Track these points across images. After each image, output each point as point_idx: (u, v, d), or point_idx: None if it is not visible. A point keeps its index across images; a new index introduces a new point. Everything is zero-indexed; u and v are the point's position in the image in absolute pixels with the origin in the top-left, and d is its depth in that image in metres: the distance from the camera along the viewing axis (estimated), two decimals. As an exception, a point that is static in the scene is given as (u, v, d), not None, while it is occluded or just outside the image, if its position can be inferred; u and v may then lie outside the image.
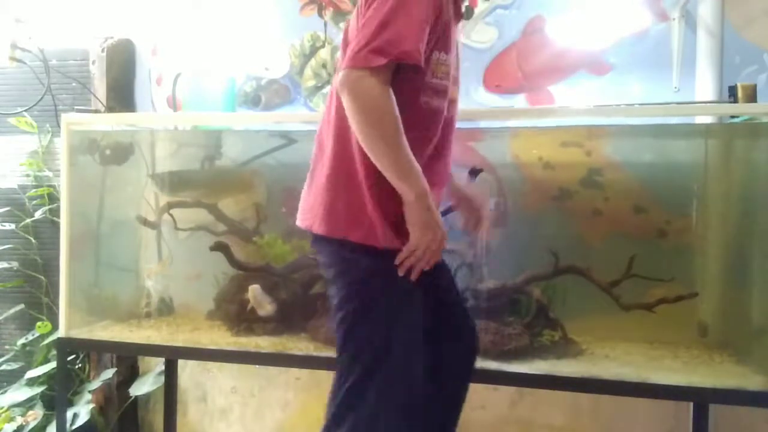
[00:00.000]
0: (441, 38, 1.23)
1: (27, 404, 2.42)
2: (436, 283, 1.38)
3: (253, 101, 2.39)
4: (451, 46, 1.28)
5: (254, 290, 1.91)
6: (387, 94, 1.14)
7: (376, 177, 1.21)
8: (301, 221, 1.38)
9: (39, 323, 2.49)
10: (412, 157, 1.18)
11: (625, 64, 2.03)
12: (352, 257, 1.25)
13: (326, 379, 2.33)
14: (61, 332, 2.01)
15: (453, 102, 1.35)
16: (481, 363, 1.71)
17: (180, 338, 1.98)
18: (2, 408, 2.38)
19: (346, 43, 1.27)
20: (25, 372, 2.45)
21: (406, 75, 1.19)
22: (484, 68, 2.16)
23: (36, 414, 2.39)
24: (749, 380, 1.55)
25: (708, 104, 1.88)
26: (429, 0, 1.16)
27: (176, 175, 2.26)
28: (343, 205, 1.26)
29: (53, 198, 2.53)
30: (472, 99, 2.17)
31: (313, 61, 2.33)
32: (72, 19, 2.54)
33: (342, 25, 2.30)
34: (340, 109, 1.23)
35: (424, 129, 1.26)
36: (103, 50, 2.48)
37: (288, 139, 2.18)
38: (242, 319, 2.00)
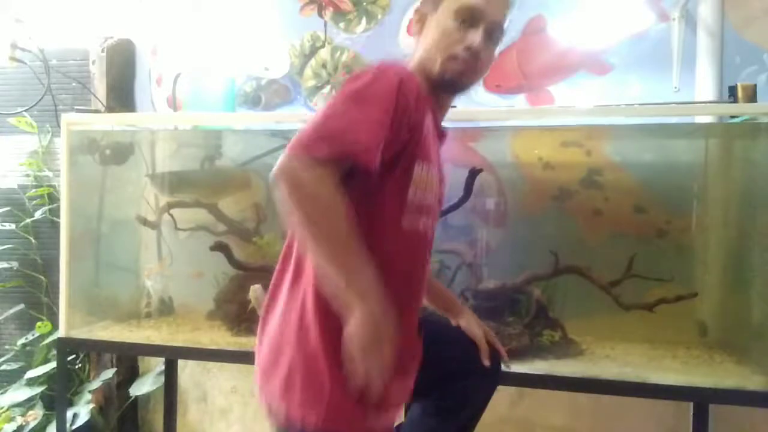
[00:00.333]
0: (420, 148, 1.06)
1: (27, 404, 2.42)
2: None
3: (253, 101, 2.39)
4: (432, 159, 1.11)
5: (256, 290, 1.91)
6: (334, 188, 0.93)
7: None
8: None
9: (39, 323, 2.49)
10: (367, 265, 0.94)
11: (626, 64, 2.03)
12: None
13: (326, 379, 2.35)
14: (61, 332, 2.01)
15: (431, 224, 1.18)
16: (481, 363, 1.72)
17: (180, 338, 1.98)
18: (2, 408, 2.38)
19: None
20: (25, 372, 2.45)
21: (383, 192, 1.04)
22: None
23: (36, 414, 2.39)
24: (749, 380, 1.55)
25: (708, 104, 1.88)
26: (391, 99, 0.97)
27: (175, 176, 2.26)
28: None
29: (53, 198, 2.53)
30: (472, 99, 2.17)
31: (313, 61, 2.33)
32: (72, 19, 2.54)
33: (342, 24, 2.30)
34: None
35: (408, 261, 1.10)
36: (103, 50, 2.48)
37: (288, 139, 2.18)
38: (242, 319, 2.00)
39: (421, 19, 1.18)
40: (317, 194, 0.93)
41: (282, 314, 1.09)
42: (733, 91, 1.68)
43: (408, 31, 2.23)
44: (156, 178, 2.26)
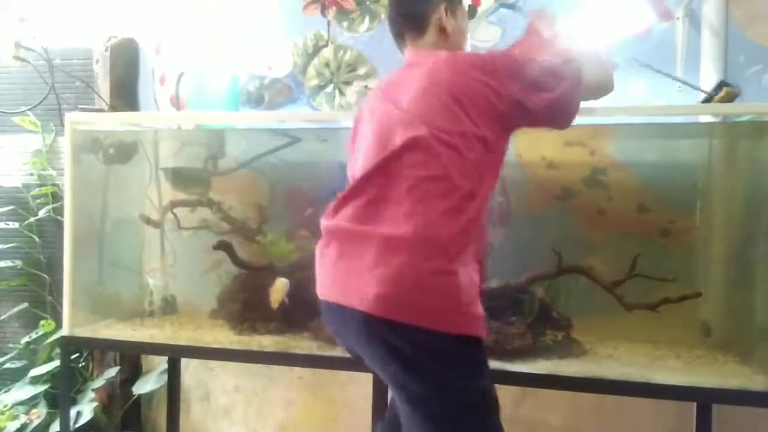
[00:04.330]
0: None
1: (30, 402, 2.43)
2: None
3: (256, 100, 2.40)
4: None
5: (285, 284, 1.90)
6: None
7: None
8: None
9: (42, 321, 2.50)
10: None
11: (629, 62, 2.02)
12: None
13: (328, 378, 2.36)
14: (64, 331, 2.01)
15: None
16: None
17: (183, 337, 1.99)
18: (6, 406, 2.39)
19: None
20: (28, 370, 2.46)
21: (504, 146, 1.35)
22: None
23: (39, 412, 2.40)
24: (752, 380, 1.55)
25: (710, 104, 1.87)
26: None
27: (185, 171, 2.26)
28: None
29: (57, 197, 2.53)
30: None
31: (316, 60, 2.33)
32: (76, 19, 2.54)
33: (345, 23, 2.30)
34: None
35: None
36: (106, 49, 2.49)
37: (291, 138, 2.18)
38: (245, 317, 2.00)
39: (453, 11, 1.49)
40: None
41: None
42: (719, 88, 1.66)
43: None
44: (169, 173, 2.26)
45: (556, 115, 1.36)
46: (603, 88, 1.44)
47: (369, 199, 1.27)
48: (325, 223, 1.36)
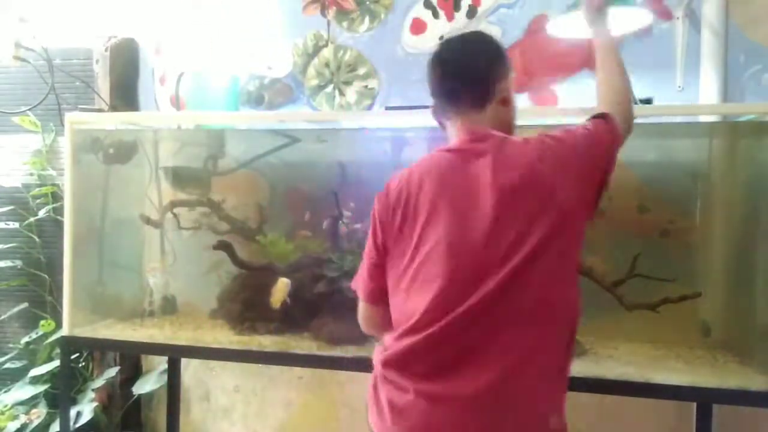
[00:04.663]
0: None
1: (30, 402, 2.43)
2: None
3: (256, 100, 2.40)
4: None
5: (286, 284, 1.90)
6: None
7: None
8: None
9: (42, 321, 2.50)
10: None
11: (629, 62, 2.01)
12: None
13: (329, 378, 2.36)
14: (64, 331, 2.01)
15: None
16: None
17: (183, 337, 1.99)
18: (6, 406, 2.39)
19: None
20: (28, 370, 2.46)
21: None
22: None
23: (39, 412, 2.40)
24: (753, 380, 1.55)
25: (711, 104, 1.88)
26: None
27: (186, 171, 2.26)
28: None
29: (57, 197, 2.54)
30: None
31: (316, 60, 2.33)
32: (76, 19, 2.54)
33: (345, 24, 2.30)
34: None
35: None
36: (106, 49, 2.49)
37: (291, 138, 2.18)
38: (245, 317, 2.00)
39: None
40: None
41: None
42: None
43: (412, 30, 2.22)
44: (170, 172, 2.26)
45: None
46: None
47: None
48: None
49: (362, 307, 1.35)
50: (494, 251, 1.08)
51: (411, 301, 1.14)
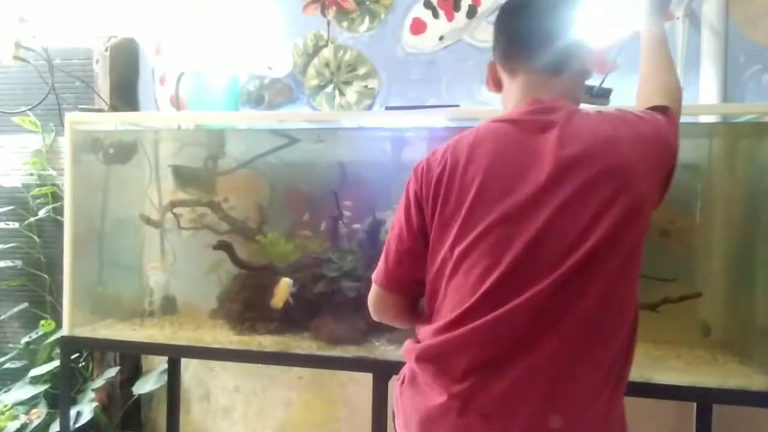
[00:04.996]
0: None
1: (30, 402, 2.43)
2: None
3: (256, 100, 2.40)
4: None
5: (289, 284, 1.90)
6: None
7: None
8: None
9: (42, 321, 2.50)
10: None
11: (629, 63, 2.02)
12: None
13: (329, 378, 2.36)
14: (64, 331, 2.01)
15: None
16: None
17: (183, 337, 1.99)
18: (6, 406, 2.39)
19: None
20: (28, 370, 2.46)
21: None
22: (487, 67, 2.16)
23: (39, 412, 2.40)
24: (753, 380, 1.55)
25: (710, 105, 1.87)
26: None
27: (190, 170, 2.26)
28: None
29: (57, 197, 2.53)
30: (474, 98, 2.17)
31: (316, 60, 2.32)
32: (75, 19, 2.54)
33: (345, 23, 2.29)
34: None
35: None
36: (106, 49, 2.49)
37: (291, 138, 2.18)
38: (245, 317, 2.00)
39: None
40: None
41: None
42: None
43: (412, 30, 2.22)
44: (175, 171, 2.26)
45: None
46: None
47: None
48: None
49: (377, 294, 1.17)
50: (554, 241, 0.95)
51: (453, 293, 1.02)
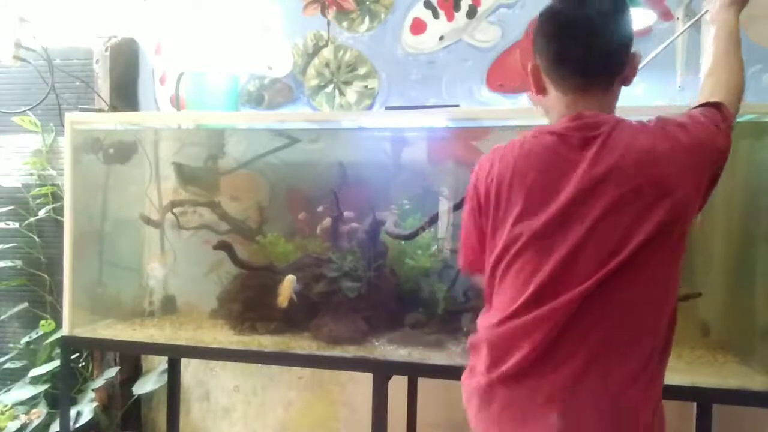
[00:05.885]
0: None
1: (30, 402, 2.43)
2: None
3: (256, 100, 2.40)
4: None
5: (292, 280, 1.90)
6: None
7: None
8: None
9: (42, 321, 2.50)
10: None
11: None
12: None
13: (329, 378, 2.36)
14: (64, 331, 2.01)
15: None
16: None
17: (183, 337, 1.99)
18: (6, 406, 2.39)
19: None
20: (28, 370, 2.46)
21: None
22: (487, 67, 2.16)
23: (39, 412, 2.40)
24: (753, 380, 1.55)
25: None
26: None
27: (193, 170, 2.27)
28: None
29: (57, 197, 2.53)
30: (475, 98, 2.17)
31: (316, 60, 2.33)
32: (76, 19, 2.54)
33: (345, 24, 2.29)
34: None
35: None
36: (106, 49, 2.49)
37: (291, 138, 2.18)
38: (245, 317, 2.00)
39: None
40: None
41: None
42: None
43: (412, 30, 2.23)
44: (178, 169, 2.26)
45: None
46: None
47: None
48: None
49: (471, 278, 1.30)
50: (590, 252, 1.01)
51: (504, 291, 1.10)
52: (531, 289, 1.05)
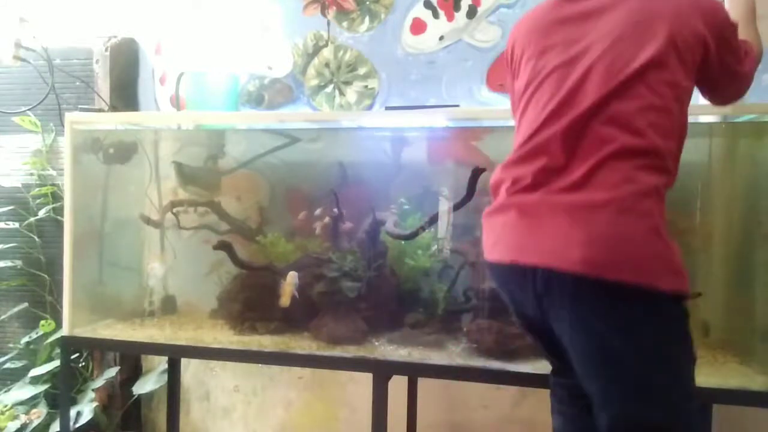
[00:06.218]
0: None
1: (30, 402, 2.43)
2: None
3: (256, 100, 2.40)
4: None
5: (293, 276, 1.89)
6: None
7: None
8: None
9: (42, 321, 2.50)
10: None
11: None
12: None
13: (328, 378, 2.36)
14: (64, 331, 2.02)
15: None
16: (484, 362, 1.71)
17: (183, 337, 1.99)
18: (6, 406, 2.39)
19: None
20: (28, 370, 2.46)
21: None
22: (487, 67, 2.16)
23: (39, 412, 2.40)
24: (753, 380, 1.55)
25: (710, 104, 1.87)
26: None
27: (193, 170, 2.27)
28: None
29: (57, 197, 2.53)
30: (475, 98, 2.17)
31: (316, 60, 2.33)
32: (76, 19, 2.54)
33: (345, 24, 2.29)
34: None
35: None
36: (106, 49, 2.49)
37: (291, 138, 2.18)
38: (245, 317, 2.00)
39: None
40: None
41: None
42: None
43: (413, 30, 2.23)
44: (179, 169, 2.26)
45: (739, 90, 1.39)
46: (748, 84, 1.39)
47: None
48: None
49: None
50: (593, 73, 1.17)
51: (523, 124, 1.28)
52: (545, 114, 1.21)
